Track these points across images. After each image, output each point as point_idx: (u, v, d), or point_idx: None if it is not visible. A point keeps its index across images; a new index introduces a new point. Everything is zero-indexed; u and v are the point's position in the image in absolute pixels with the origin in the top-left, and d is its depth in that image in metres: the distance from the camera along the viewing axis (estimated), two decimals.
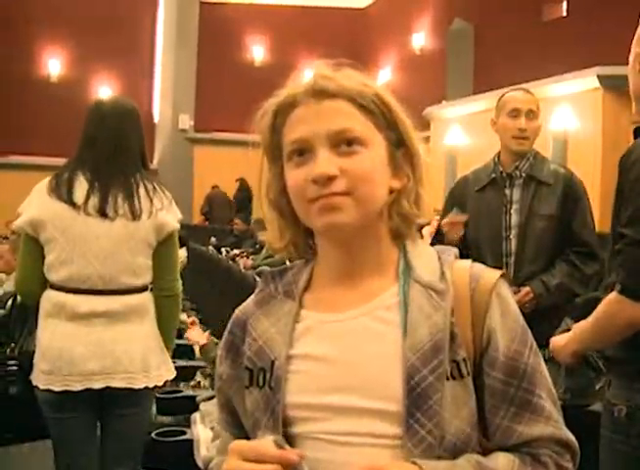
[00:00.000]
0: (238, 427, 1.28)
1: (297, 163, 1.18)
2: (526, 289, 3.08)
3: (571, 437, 1.19)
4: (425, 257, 1.23)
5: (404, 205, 1.22)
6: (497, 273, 1.21)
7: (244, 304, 1.31)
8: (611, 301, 2.02)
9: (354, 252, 1.22)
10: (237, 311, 1.31)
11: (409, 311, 1.16)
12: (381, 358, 1.15)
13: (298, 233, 1.25)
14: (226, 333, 1.30)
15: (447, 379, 1.12)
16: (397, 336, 1.15)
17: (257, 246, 10.67)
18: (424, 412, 1.11)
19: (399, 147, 1.22)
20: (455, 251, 1.25)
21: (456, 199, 3.35)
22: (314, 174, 1.15)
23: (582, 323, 2.14)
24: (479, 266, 1.23)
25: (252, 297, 1.29)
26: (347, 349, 1.17)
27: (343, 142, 1.17)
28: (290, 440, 1.17)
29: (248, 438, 1.23)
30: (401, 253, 1.24)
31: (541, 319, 2.56)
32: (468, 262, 1.23)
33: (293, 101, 1.20)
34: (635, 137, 2.27)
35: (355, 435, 1.14)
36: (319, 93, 1.18)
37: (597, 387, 2.33)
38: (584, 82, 9.43)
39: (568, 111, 9.59)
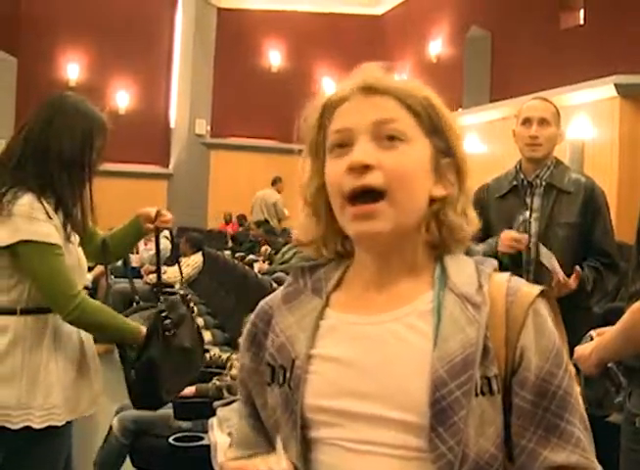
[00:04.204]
0: (258, 418, 1.26)
1: (338, 153, 1.17)
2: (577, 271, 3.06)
3: (598, 467, 1.14)
4: (462, 265, 1.19)
5: (450, 214, 1.19)
6: (537, 289, 1.17)
7: (271, 295, 1.29)
8: (637, 309, 2.01)
9: (388, 259, 1.19)
10: (262, 303, 1.29)
11: (442, 321, 1.12)
12: (406, 366, 1.12)
13: (330, 232, 1.23)
14: (249, 324, 1.29)
15: (477, 395, 1.09)
16: (427, 345, 1.12)
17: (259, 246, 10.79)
18: (447, 428, 1.07)
19: (446, 155, 1.20)
20: (494, 262, 1.21)
21: (478, 206, 3.34)
22: (349, 162, 1.13)
23: (607, 333, 2.14)
24: (517, 280, 1.19)
25: (281, 289, 1.27)
26: (372, 353, 1.14)
27: (385, 135, 1.15)
28: (308, 444, 1.16)
29: (265, 429, 1.24)
30: (438, 259, 1.20)
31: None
32: (506, 275, 1.19)
33: (342, 97, 1.20)
34: None
35: (372, 444, 1.11)
36: (367, 89, 1.18)
37: (616, 400, 2.31)
38: (602, 91, 9.38)
39: (585, 119, 9.55)
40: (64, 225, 2.50)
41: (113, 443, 3.98)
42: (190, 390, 4.02)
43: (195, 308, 6.26)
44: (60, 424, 2.47)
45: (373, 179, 1.13)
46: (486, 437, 1.10)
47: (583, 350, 2.19)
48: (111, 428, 4.04)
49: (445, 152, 1.20)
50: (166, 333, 2.61)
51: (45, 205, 2.45)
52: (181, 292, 2.96)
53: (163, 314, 2.63)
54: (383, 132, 1.15)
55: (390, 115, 1.16)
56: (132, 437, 3.95)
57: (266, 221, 12.06)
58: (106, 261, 2.91)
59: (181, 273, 3.47)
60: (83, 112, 2.60)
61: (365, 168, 1.12)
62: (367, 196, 1.13)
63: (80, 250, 2.64)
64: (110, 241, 2.84)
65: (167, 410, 3.95)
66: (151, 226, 2.86)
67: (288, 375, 1.18)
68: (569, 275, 3.07)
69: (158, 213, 2.85)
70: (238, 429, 1.32)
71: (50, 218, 2.45)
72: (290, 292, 1.25)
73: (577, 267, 3.04)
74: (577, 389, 1.16)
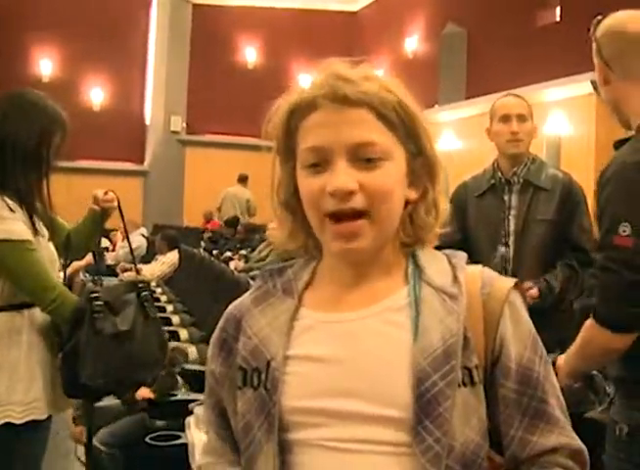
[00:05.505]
0: (225, 428, 1.24)
1: (313, 170, 1.14)
2: (534, 290, 3.04)
3: (583, 446, 1.17)
4: (434, 259, 1.19)
5: (421, 216, 1.19)
6: (511, 282, 1.19)
7: (238, 300, 1.27)
8: (587, 327, 2.03)
9: (363, 264, 1.18)
10: (230, 308, 1.27)
11: (421, 314, 1.12)
12: (388, 362, 1.11)
13: (310, 233, 1.21)
14: (218, 330, 1.26)
15: (459, 386, 1.09)
16: (407, 339, 1.11)
17: (238, 245, 10.76)
18: (433, 420, 1.07)
19: (417, 156, 1.18)
20: (465, 255, 1.21)
21: (457, 205, 3.33)
22: (332, 187, 1.11)
23: (573, 345, 2.14)
24: (490, 272, 1.20)
25: (249, 293, 1.25)
26: (351, 350, 1.13)
27: (364, 158, 1.12)
28: (287, 446, 1.13)
29: (231, 438, 1.22)
30: (409, 255, 1.20)
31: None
32: (479, 268, 1.20)
33: (311, 103, 1.14)
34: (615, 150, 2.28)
35: (358, 442, 1.10)
36: (340, 99, 1.13)
37: (599, 409, 2.32)
38: (578, 87, 9.44)
39: (561, 116, 9.60)
40: (30, 220, 2.51)
41: (102, 457, 3.98)
42: (146, 392, 4.01)
43: (170, 303, 6.14)
44: (42, 418, 2.47)
45: (356, 203, 1.11)
46: (471, 427, 1.10)
47: (560, 358, 2.19)
48: (93, 447, 4.05)
49: (417, 153, 1.18)
50: (95, 315, 2.54)
51: (8, 202, 2.47)
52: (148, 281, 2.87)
53: (94, 295, 2.57)
54: (361, 155, 1.12)
55: (368, 136, 1.12)
56: (117, 446, 3.95)
57: (236, 218, 12.10)
58: (68, 256, 2.88)
59: (137, 270, 3.38)
60: (43, 107, 2.62)
61: (348, 194, 1.11)
62: (348, 214, 1.12)
63: (51, 244, 2.63)
64: (72, 234, 2.82)
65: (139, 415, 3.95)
66: (96, 207, 2.82)
67: (263, 377, 1.15)
68: (545, 273, 3.08)
69: (104, 193, 2.81)
70: (208, 437, 1.31)
71: (14, 213, 2.47)
72: (259, 295, 1.23)
73: (526, 283, 2.99)
74: (552, 372, 1.18)
